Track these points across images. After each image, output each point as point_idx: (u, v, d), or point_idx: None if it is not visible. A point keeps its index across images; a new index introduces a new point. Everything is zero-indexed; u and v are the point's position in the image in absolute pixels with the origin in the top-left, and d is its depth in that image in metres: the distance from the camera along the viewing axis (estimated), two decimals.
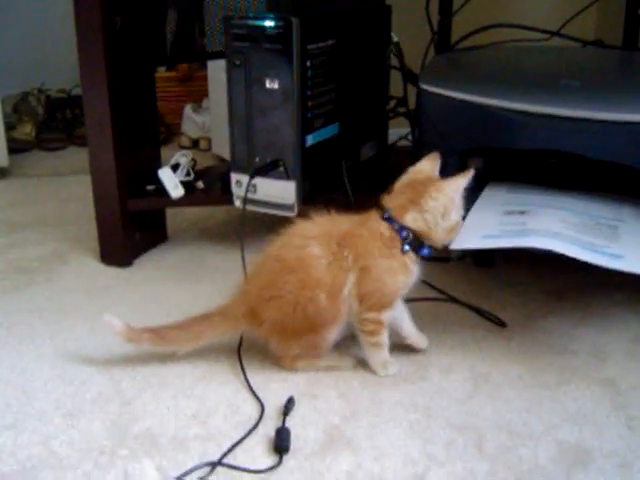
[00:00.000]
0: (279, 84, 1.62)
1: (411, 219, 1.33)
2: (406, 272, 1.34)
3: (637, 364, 1.42)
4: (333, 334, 1.36)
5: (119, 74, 1.76)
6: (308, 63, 1.63)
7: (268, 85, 1.63)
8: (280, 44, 1.60)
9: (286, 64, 1.60)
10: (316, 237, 1.34)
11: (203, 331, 1.38)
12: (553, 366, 1.41)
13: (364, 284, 1.32)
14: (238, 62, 1.64)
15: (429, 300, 1.62)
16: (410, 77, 2.09)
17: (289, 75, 1.61)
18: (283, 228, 1.39)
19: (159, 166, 1.91)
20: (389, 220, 1.34)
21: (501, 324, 1.56)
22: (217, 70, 2.56)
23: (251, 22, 1.62)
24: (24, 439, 1.22)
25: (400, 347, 1.44)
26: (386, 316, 1.36)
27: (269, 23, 1.60)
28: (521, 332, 1.53)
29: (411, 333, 1.44)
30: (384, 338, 1.37)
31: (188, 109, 2.95)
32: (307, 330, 1.34)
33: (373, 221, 1.35)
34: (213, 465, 1.14)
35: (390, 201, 1.36)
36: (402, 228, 1.33)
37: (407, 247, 1.33)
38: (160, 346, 1.39)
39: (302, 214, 1.65)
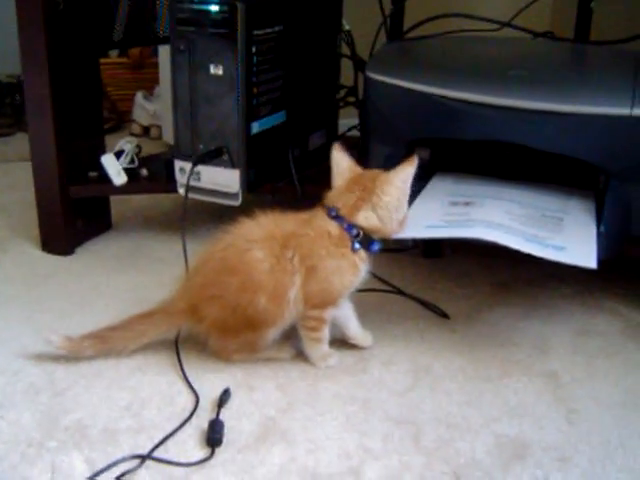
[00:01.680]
0: (224, 70, 1.59)
1: (363, 218, 1.30)
2: (355, 271, 1.32)
3: (580, 357, 1.42)
4: (273, 333, 1.34)
5: (61, 57, 1.71)
6: (254, 49, 1.60)
7: (213, 71, 1.60)
8: (225, 29, 1.56)
9: (231, 50, 1.57)
10: (259, 240, 1.31)
11: (146, 329, 1.35)
12: (496, 358, 1.40)
13: (310, 285, 1.30)
14: (182, 47, 1.61)
15: (374, 291, 1.60)
16: (361, 66, 2.06)
17: (234, 61, 1.57)
18: (226, 227, 1.36)
19: (103, 153, 1.87)
20: (337, 219, 1.31)
21: (445, 316, 1.54)
22: (168, 57, 2.51)
23: (196, 6, 1.59)
24: None
25: (342, 339, 1.42)
26: (329, 314, 1.33)
27: (214, 7, 1.56)
28: (465, 324, 1.52)
29: (357, 333, 1.42)
30: (325, 333, 1.35)
31: (139, 96, 2.90)
32: (246, 329, 1.31)
33: (319, 220, 1.32)
34: (143, 458, 1.11)
35: (337, 200, 1.33)
36: (351, 226, 1.30)
37: (358, 245, 1.30)
38: (104, 351, 1.35)
39: (247, 206, 1.63)
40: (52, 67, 1.69)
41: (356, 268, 1.32)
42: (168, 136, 2.67)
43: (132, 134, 2.86)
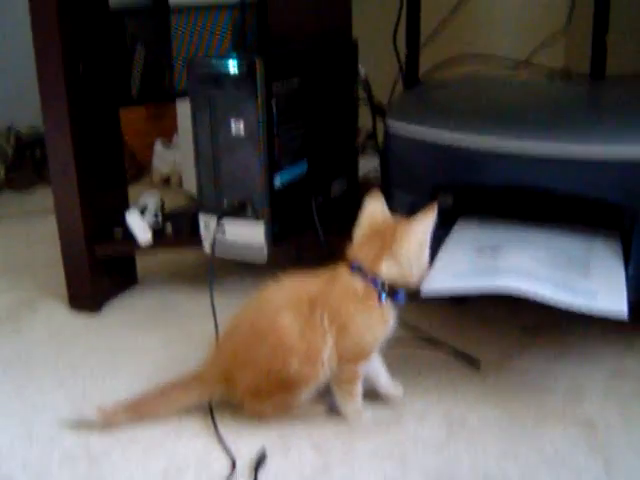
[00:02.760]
0: (245, 125, 1.60)
1: (386, 269, 1.30)
2: (384, 323, 1.32)
3: (614, 402, 1.41)
4: (307, 393, 1.33)
5: (83, 118, 1.74)
6: (274, 102, 1.62)
7: (234, 126, 1.61)
8: (244, 84, 1.58)
9: (251, 104, 1.58)
10: (287, 304, 1.32)
11: (180, 398, 1.36)
12: (529, 407, 1.39)
13: (342, 342, 1.30)
14: (202, 104, 1.62)
15: (404, 341, 1.59)
16: (379, 110, 2.08)
17: (254, 115, 1.59)
18: (254, 290, 1.38)
19: (127, 207, 1.89)
20: (360, 273, 1.31)
21: (475, 364, 1.53)
22: (186, 106, 2.53)
23: (214, 63, 1.60)
24: None
25: (374, 392, 1.41)
26: (362, 368, 1.33)
27: (232, 64, 1.58)
28: (496, 372, 1.51)
29: (386, 384, 1.41)
30: (358, 388, 1.34)
31: (158, 145, 2.92)
32: (280, 391, 1.31)
33: (343, 276, 1.32)
34: None
35: (358, 252, 1.33)
36: (375, 279, 1.30)
37: (384, 297, 1.31)
38: (137, 419, 1.35)
39: (271, 257, 1.64)
40: (74, 126, 1.71)
41: (385, 320, 1.32)
42: (188, 184, 2.69)
43: (153, 183, 2.88)
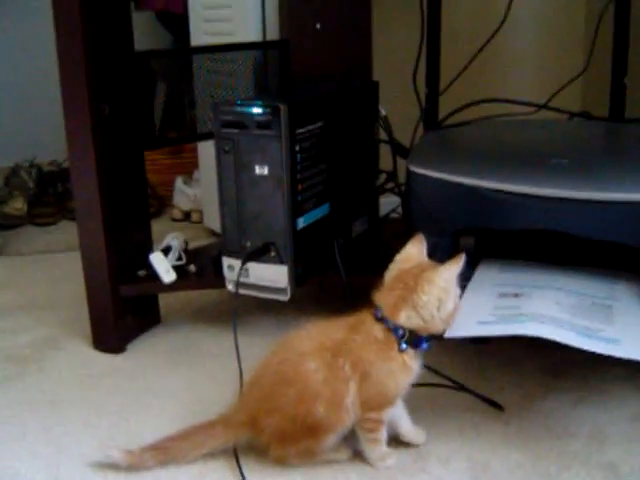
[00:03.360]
0: (269, 169, 1.62)
1: (405, 318, 1.31)
2: (406, 371, 1.32)
3: (637, 445, 1.41)
4: (333, 440, 1.34)
5: (108, 159, 1.76)
6: (297, 147, 1.64)
7: (258, 171, 1.63)
8: (269, 130, 1.60)
9: (275, 150, 1.60)
10: (311, 351, 1.33)
11: (205, 441, 1.37)
12: (552, 451, 1.40)
13: (366, 390, 1.31)
14: (227, 148, 1.65)
15: (426, 384, 1.60)
16: (399, 150, 2.10)
17: (279, 160, 1.61)
18: (278, 339, 1.41)
19: (150, 247, 1.91)
20: (383, 320, 1.32)
21: (498, 407, 1.54)
22: (207, 143, 2.56)
23: (239, 109, 1.63)
24: None
25: (396, 437, 1.42)
26: (386, 414, 1.34)
27: (257, 110, 1.60)
28: (519, 415, 1.52)
29: (408, 430, 1.42)
30: (383, 434, 1.35)
31: (179, 181, 2.95)
32: (306, 437, 1.32)
33: (366, 324, 1.33)
34: None
35: (382, 299, 1.34)
36: (397, 327, 1.31)
37: (404, 346, 1.31)
38: (163, 461, 1.36)
39: (294, 297, 1.65)
40: (100, 168, 1.74)
41: (407, 368, 1.32)
42: (209, 220, 2.71)
43: (173, 219, 2.91)
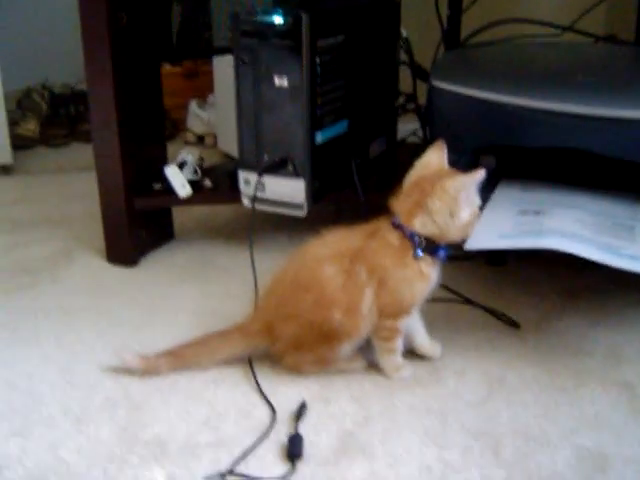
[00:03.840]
0: (288, 81, 1.59)
1: (420, 224, 1.28)
2: (423, 279, 1.31)
3: None
4: (348, 349, 1.34)
5: (125, 71, 1.73)
6: (318, 59, 1.60)
7: (277, 82, 1.60)
8: (290, 40, 1.57)
9: (296, 61, 1.57)
10: (329, 257, 1.32)
11: (221, 347, 1.36)
12: (569, 368, 1.39)
13: (382, 297, 1.30)
14: (246, 59, 1.61)
15: (442, 301, 1.59)
16: (419, 73, 2.06)
17: (299, 72, 1.58)
18: (296, 246, 1.39)
19: (165, 163, 1.88)
20: (399, 227, 1.30)
21: (515, 325, 1.53)
22: (223, 65, 2.53)
23: (259, 18, 1.59)
24: (32, 446, 1.20)
25: (412, 350, 1.41)
26: (403, 323, 1.33)
27: (278, 19, 1.57)
28: (535, 333, 1.51)
29: (424, 342, 1.41)
30: (399, 344, 1.35)
31: (193, 105, 2.91)
32: (322, 344, 1.32)
33: (383, 231, 1.32)
34: (224, 475, 1.12)
35: (398, 205, 1.31)
36: (413, 234, 1.29)
37: (420, 253, 1.29)
38: (178, 367, 1.36)
39: (310, 215, 1.63)
40: (116, 82, 1.71)
41: (423, 275, 1.31)
42: (223, 144, 2.68)
43: (187, 142, 2.88)
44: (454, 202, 1.28)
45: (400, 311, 1.32)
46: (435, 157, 1.34)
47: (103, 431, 1.23)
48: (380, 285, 1.29)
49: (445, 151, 1.35)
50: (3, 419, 1.27)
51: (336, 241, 1.34)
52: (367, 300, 1.30)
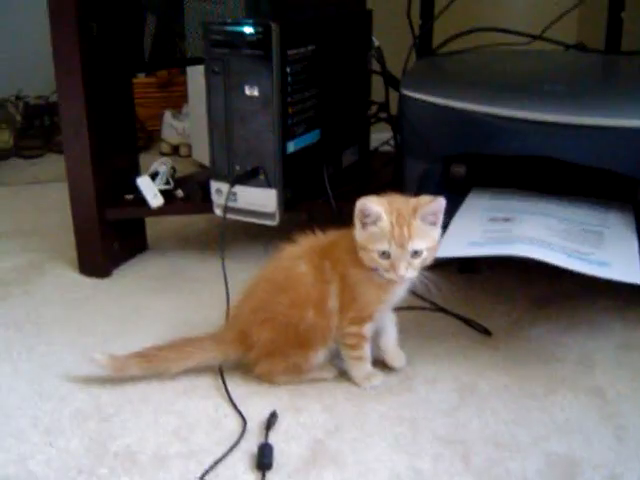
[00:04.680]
0: (259, 91, 1.59)
1: None
2: (383, 288, 1.30)
3: (624, 372, 1.41)
4: (319, 356, 1.34)
5: (96, 81, 1.73)
6: (288, 69, 1.61)
7: (248, 92, 1.60)
8: (260, 50, 1.57)
9: (266, 70, 1.58)
10: (302, 255, 1.32)
11: (193, 353, 1.35)
12: (540, 375, 1.39)
13: (342, 294, 1.30)
14: (217, 69, 1.62)
15: (414, 309, 1.59)
16: (392, 82, 2.07)
17: (269, 81, 1.58)
18: (265, 256, 1.39)
19: (138, 174, 1.88)
20: None
21: (487, 333, 1.53)
22: (197, 75, 2.53)
23: (230, 28, 1.59)
24: (1, 458, 1.19)
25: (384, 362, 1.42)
26: (367, 330, 1.33)
27: (248, 29, 1.57)
28: (507, 340, 1.51)
29: (388, 349, 1.40)
30: (366, 351, 1.35)
31: (168, 115, 2.92)
32: (296, 351, 1.32)
33: (351, 232, 1.30)
34: None
35: None
36: None
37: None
38: (149, 370, 1.35)
39: (282, 224, 1.63)
40: (87, 90, 1.70)
41: (383, 286, 1.30)
42: (197, 154, 2.69)
43: (161, 153, 2.88)
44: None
45: (360, 315, 1.31)
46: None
47: (73, 443, 1.22)
48: (342, 280, 1.30)
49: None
50: None
51: (309, 241, 1.35)
52: (332, 296, 1.30)
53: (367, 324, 1.33)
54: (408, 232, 1.23)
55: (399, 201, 1.27)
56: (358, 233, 1.26)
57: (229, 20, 1.67)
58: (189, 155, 2.80)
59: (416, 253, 1.24)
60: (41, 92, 3.15)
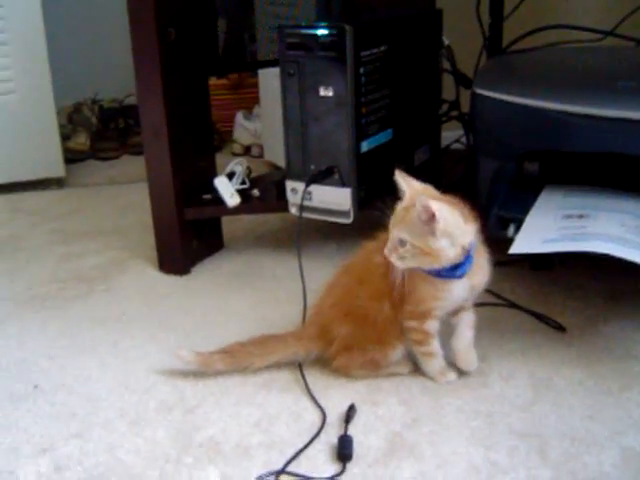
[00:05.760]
0: (333, 92, 1.63)
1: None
2: (436, 286, 1.30)
3: None
4: (397, 352, 1.37)
5: (174, 85, 1.78)
6: (361, 70, 1.64)
7: (322, 93, 1.64)
8: (334, 52, 1.60)
9: (340, 72, 1.61)
10: (378, 249, 1.34)
11: (275, 349, 1.40)
12: (615, 371, 1.40)
13: (400, 284, 1.31)
14: (292, 71, 1.65)
15: (488, 305, 1.60)
16: (462, 80, 2.09)
17: (343, 82, 1.61)
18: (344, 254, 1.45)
19: (214, 174, 1.93)
20: None
21: (561, 329, 1.54)
22: (268, 77, 2.58)
23: (304, 31, 1.63)
24: (90, 447, 1.25)
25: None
26: (430, 326, 1.34)
27: (322, 31, 1.61)
28: (581, 337, 1.52)
29: (459, 351, 1.39)
30: (434, 347, 1.37)
31: (240, 116, 2.97)
32: (374, 345, 1.36)
33: None
34: (277, 473, 1.15)
35: None
36: None
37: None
38: (233, 365, 1.40)
39: (355, 222, 1.67)
40: (166, 93, 1.76)
41: (437, 284, 1.30)
42: (269, 154, 2.73)
43: (233, 153, 2.93)
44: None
45: (419, 310, 1.33)
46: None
47: (159, 433, 1.27)
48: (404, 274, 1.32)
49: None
50: (63, 421, 1.32)
51: (385, 235, 1.37)
52: (396, 288, 1.32)
53: (428, 321, 1.34)
54: (402, 218, 1.26)
55: (430, 195, 1.29)
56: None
57: (302, 23, 1.70)
58: (261, 155, 2.85)
59: (401, 242, 1.25)
60: (115, 95, 3.24)
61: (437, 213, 1.21)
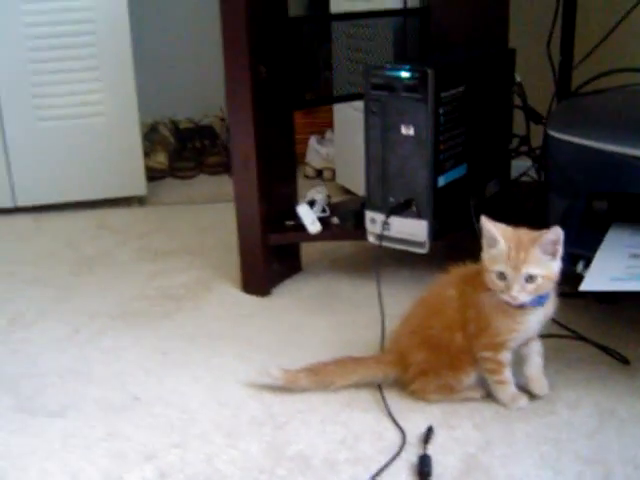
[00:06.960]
0: (414, 130, 1.73)
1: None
2: (510, 316, 1.41)
3: None
4: (471, 378, 1.48)
5: (263, 117, 1.91)
6: (441, 110, 1.74)
7: (403, 131, 1.74)
8: (416, 93, 1.71)
9: (422, 112, 1.72)
10: (451, 282, 1.47)
11: (356, 370, 1.52)
12: None
13: (476, 318, 1.43)
14: (375, 109, 1.77)
15: (554, 337, 1.69)
16: (533, 116, 2.17)
17: (424, 122, 1.72)
18: (418, 281, 1.55)
19: (296, 201, 2.05)
20: None
21: (625, 361, 1.63)
22: (343, 104, 2.68)
23: (389, 72, 1.74)
24: (190, 457, 1.37)
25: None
26: (504, 357, 1.45)
27: (406, 74, 1.72)
28: None
29: (532, 377, 1.50)
30: (506, 376, 1.47)
31: (313, 140, 3.08)
32: (448, 371, 1.46)
33: None
34: None
35: None
36: None
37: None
38: (315, 382, 1.52)
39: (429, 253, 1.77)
40: (257, 125, 1.89)
41: (511, 314, 1.41)
42: (341, 178, 2.84)
43: (306, 176, 3.04)
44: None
45: (493, 342, 1.43)
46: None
47: (252, 446, 1.39)
48: (476, 306, 1.43)
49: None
50: (163, 432, 1.45)
51: (459, 269, 1.50)
52: (471, 321, 1.44)
53: (503, 351, 1.45)
54: (524, 257, 1.35)
55: (523, 231, 1.40)
56: (483, 253, 1.41)
57: (387, 65, 1.81)
58: (333, 179, 2.96)
59: (530, 278, 1.35)
60: (189, 116, 3.37)
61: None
